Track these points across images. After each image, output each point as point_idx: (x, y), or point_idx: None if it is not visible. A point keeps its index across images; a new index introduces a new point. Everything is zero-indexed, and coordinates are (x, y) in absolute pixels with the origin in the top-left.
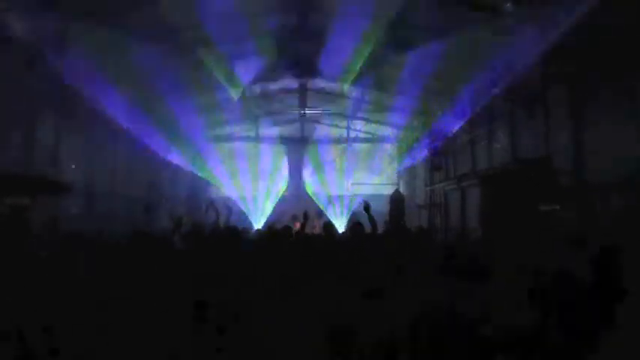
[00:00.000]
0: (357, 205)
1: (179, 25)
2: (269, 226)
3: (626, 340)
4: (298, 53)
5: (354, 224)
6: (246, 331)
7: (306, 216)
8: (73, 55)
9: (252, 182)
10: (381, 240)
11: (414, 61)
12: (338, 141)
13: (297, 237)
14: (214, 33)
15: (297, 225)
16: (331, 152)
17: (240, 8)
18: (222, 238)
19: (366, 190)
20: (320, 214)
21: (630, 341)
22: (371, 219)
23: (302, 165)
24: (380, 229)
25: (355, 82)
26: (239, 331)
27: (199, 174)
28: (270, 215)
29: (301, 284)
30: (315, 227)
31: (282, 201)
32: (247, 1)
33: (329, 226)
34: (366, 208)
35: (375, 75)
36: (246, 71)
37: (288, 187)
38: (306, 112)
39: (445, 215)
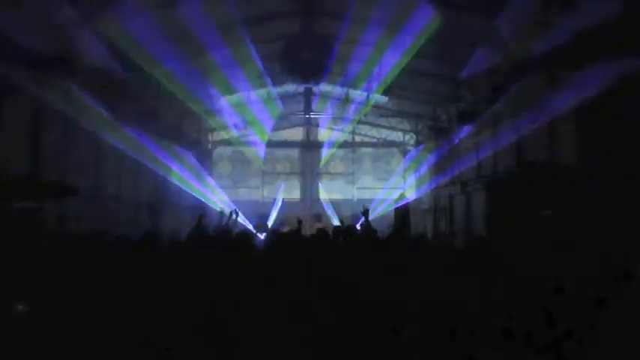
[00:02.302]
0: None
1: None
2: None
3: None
4: (304, 58)
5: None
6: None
7: (299, 222)
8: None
9: (257, 187)
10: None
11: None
12: (344, 145)
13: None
14: (220, 38)
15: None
16: (337, 157)
17: (245, 13)
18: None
19: (372, 195)
20: (318, 218)
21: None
22: (367, 224)
23: (307, 169)
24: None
25: (361, 86)
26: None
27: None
28: (276, 220)
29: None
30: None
31: (288, 206)
32: (253, 7)
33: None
34: (365, 212)
35: (381, 80)
36: (252, 76)
37: (293, 191)
38: (312, 116)
39: (450, 219)
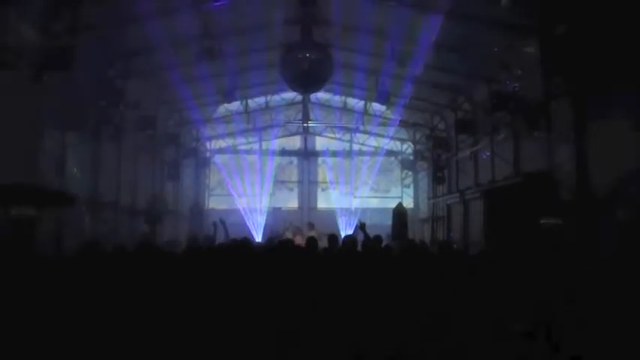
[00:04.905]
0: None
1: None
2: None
3: None
4: (302, 66)
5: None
6: None
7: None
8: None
9: (255, 195)
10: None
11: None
12: (341, 154)
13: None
14: (219, 45)
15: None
16: (334, 165)
17: (245, 21)
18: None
19: (370, 204)
20: (311, 226)
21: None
22: (366, 237)
23: (305, 178)
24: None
25: (359, 95)
26: None
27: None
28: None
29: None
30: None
31: (284, 214)
32: (252, 14)
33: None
34: (362, 226)
35: (379, 88)
36: (250, 84)
37: (291, 200)
38: (310, 124)
39: (447, 229)
